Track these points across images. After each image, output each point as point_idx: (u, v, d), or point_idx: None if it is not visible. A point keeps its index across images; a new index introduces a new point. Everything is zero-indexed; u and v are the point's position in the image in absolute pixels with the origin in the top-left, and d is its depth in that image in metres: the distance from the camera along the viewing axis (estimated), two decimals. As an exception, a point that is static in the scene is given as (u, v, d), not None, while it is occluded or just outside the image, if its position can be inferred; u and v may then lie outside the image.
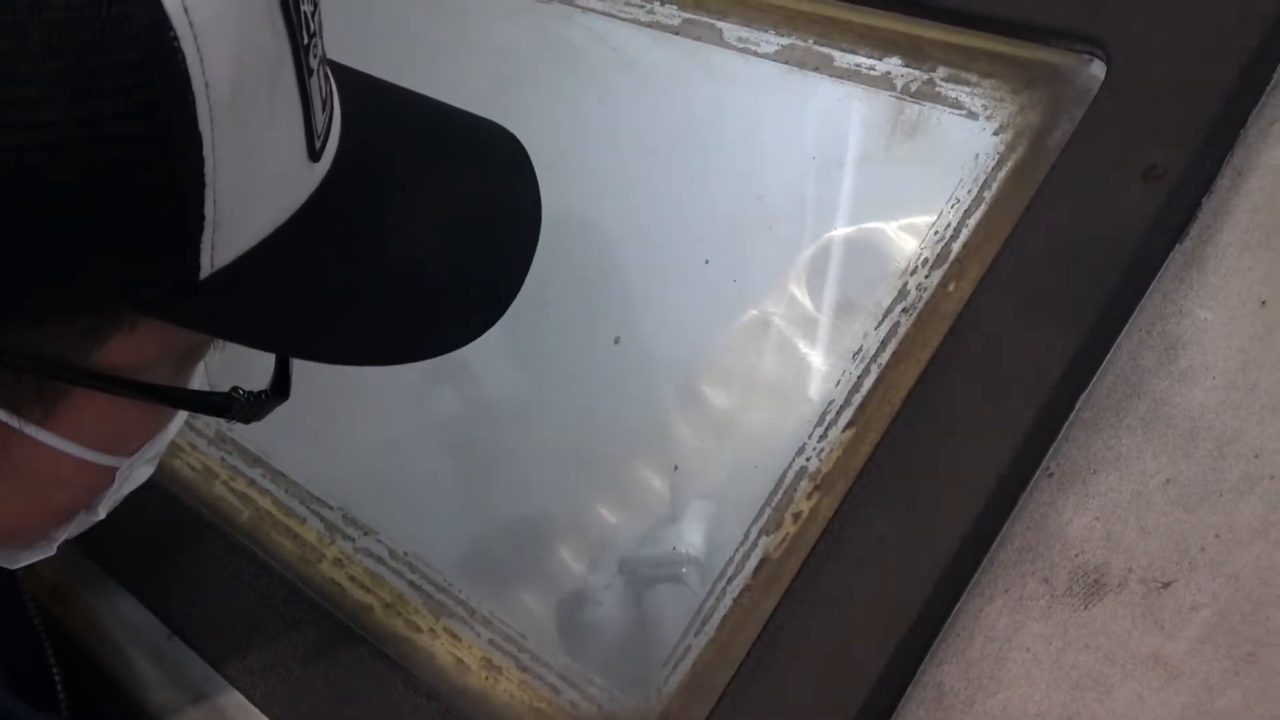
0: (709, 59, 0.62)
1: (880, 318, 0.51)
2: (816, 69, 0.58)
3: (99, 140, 0.27)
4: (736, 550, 0.50)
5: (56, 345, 0.31)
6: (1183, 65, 0.46)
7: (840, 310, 0.53)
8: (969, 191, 0.51)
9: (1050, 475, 0.43)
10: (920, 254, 0.51)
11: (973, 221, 0.51)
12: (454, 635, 0.56)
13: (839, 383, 0.51)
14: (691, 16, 0.63)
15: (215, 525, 0.63)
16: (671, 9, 0.64)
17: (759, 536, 0.50)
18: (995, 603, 0.42)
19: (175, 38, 0.27)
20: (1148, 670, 0.39)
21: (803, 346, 0.54)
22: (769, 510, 0.50)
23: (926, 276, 0.51)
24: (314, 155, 0.34)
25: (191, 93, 0.28)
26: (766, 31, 0.60)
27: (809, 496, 0.49)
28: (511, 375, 0.63)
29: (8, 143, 0.26)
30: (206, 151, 0.28)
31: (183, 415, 0.41)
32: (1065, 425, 0.44)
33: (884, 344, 0.50)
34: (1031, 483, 0.44)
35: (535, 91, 0.68)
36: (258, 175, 0.31)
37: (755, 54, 0.60)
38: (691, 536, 0.53)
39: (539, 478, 0.60)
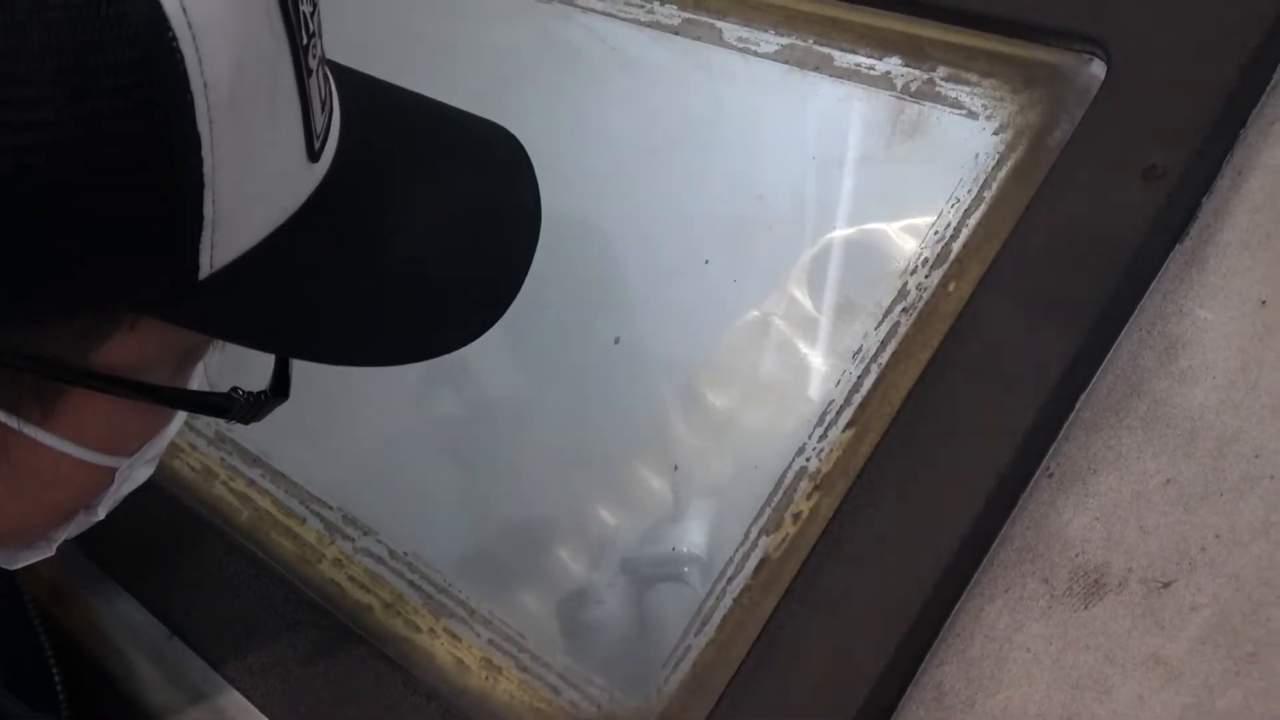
0: (709, 59, 0.62)
1: (880, 318, 0.51)
2: (816, 69, 0.58)
3: (97, 140, 0.27)
4: (736, 550, 0.50)
5: (55, 345, 0.31)
6: (1183, 65, 0.46)
7: (840, 310, 0.53)
8: (969, 191, 0.51)
9: (1050, 475, 0.43)
10: (920, 254, 0.51)
11: (973, 221, 0.51)
12: (454, 635, 0.56)
13: (839, 383, 0.51)
14: (691, 16, 0.63)
15: (215, 525, 0.63)
16: (671, 9, 0.64)
17: (759, 536, 0.50)
18: (995, 603, 0.42)
19: (174, 37, 0.27)
20: (1148, 670, 0.39)
21: (803, 346, 0.54)
22: (769, 510, 0.50)
23: (926, 276, 0.51)
24: (313, 155, 0.34)
25: (190, 92, 0.27)
26: (766, 31, 0.60)
27: (809, 496, 0.49)
28: (511, 375, 0.63)
29: (6, 142, 0.26)
30: (205, 151, 0.28)
31: (182, 416, 0.41)
32: (1065, 425, 0.44)
33: (884, 344, 0.50)
34: (1031, 483, 0.44)
35: (535, 91, 0.68)
36: (257, 175, 0.31)
37: (755, 54, 0.60)
38: (692, 536, 0.53)
39: (539, 478, 0.60)
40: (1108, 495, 0.42)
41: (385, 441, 0.66)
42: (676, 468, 0.55)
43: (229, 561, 0.61)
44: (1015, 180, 0.50)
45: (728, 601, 0.49)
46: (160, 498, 0.64)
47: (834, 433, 0.50)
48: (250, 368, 0.39)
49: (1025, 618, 0.41)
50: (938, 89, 0.54)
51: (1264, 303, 0.43)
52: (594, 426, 0.59)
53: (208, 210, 0.29)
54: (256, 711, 0.55)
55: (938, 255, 0.51)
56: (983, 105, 0.53)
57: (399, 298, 0.38)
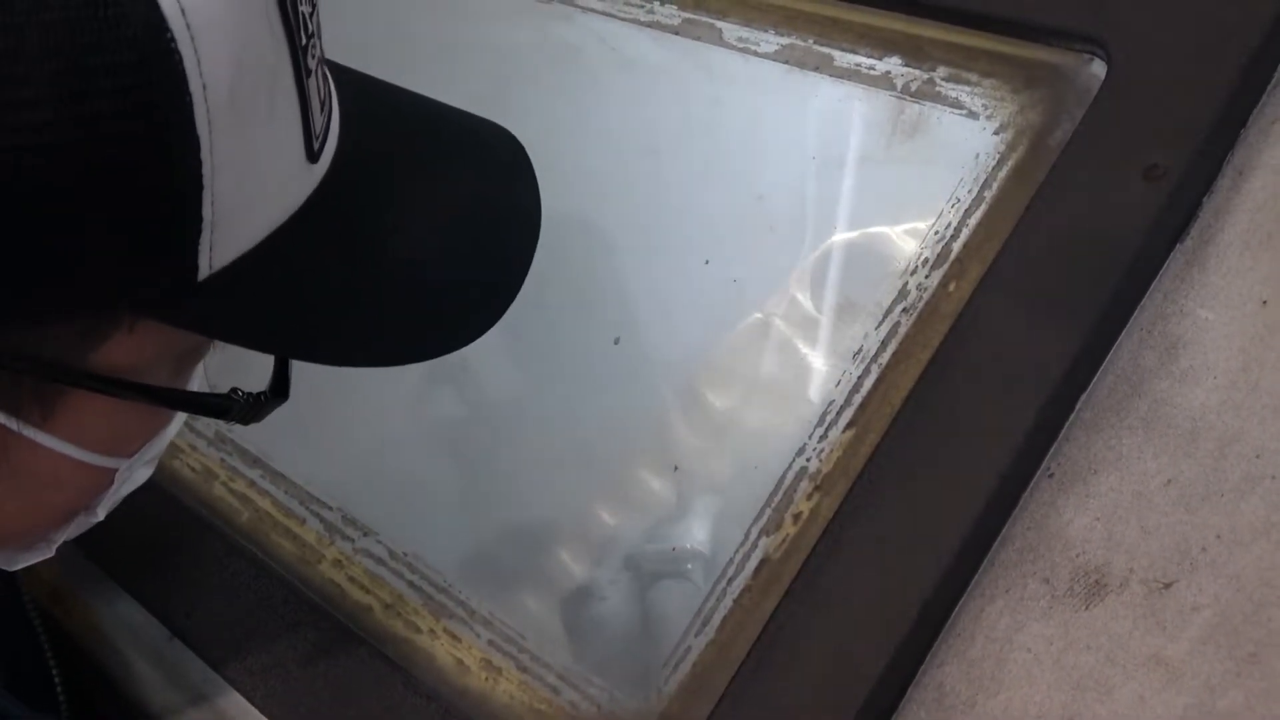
0: (709, 59, 0.62)
1: (880, 318, 0.51)
2: (817, 69, 0.58)
3: (96, 141, 0.27)
4: (737, 551, 0.50)
5: (55, 347, 0.31)
6: (1183, 65, 0.46)
7: (840, 310, 0.53)
8: (969, 191, 0.51)
9: (1051, 475, 0.43)
10: (920, 254, 0.51)
11: (973, 221, 0.50)
12: (454, 636, 0.56)
13: (839, 383, 0.51)
14: (691, 16, 0.63)
15: (215, 526, 0.63)
16: (671, 9, 0.64)
17: (759, 537, 0.50)
18: (996, 603, 0.42)
19: (172, 39, 0.27)
20: (1149, 671, 0.39)
21: (803, 347, 0.54)
22: (769, 511, 0.50)
23: (927, 276, 0.51)
24: (312, 156, 0.34)
25: (189, 94, 0.27)
26: (766, 31, 0.60)
27: (809, 497, 0.49)
28: (511, 376, 0.63)
29: (5, 143, 0.26)
30: (204, 153, 0.28)
31: (182, 417, 0.41)
32: (1066, 425, 0.44)
33: (884, 344, 0.50)
34: (1032, 483, 0.44)
35: (535, 92, 0.68)
36: (256, 176, 0.31)
37: (755, 54, 0.60)
38: (692, 537, 0.53)
39: (538, 478, 0.60)
40: (1109, 495, 0.42)
41: (385, 442, 0.66)
42: (677, 468, 0.55)
43: (229, 562, 0.61)
44: (1016, 180, 0.50)
45: (728, 602, 0.49)
46: (160, 499, 0.63)
47: (834, 433, 0.50)
48: (250, 368, 0.39)
49: (1026, 618, 0.41)
50: (938, 89, 0.54)
51: (1265, 303, 0.42)
52: (594, 427, 0.59)
53: (207, 211, 0.29)
54: (256, 712, 0.55)
55: (938, 255, 0.51)
56: (983, 105, 0.53)
57: (399, 298, 0.38)
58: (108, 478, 0.38)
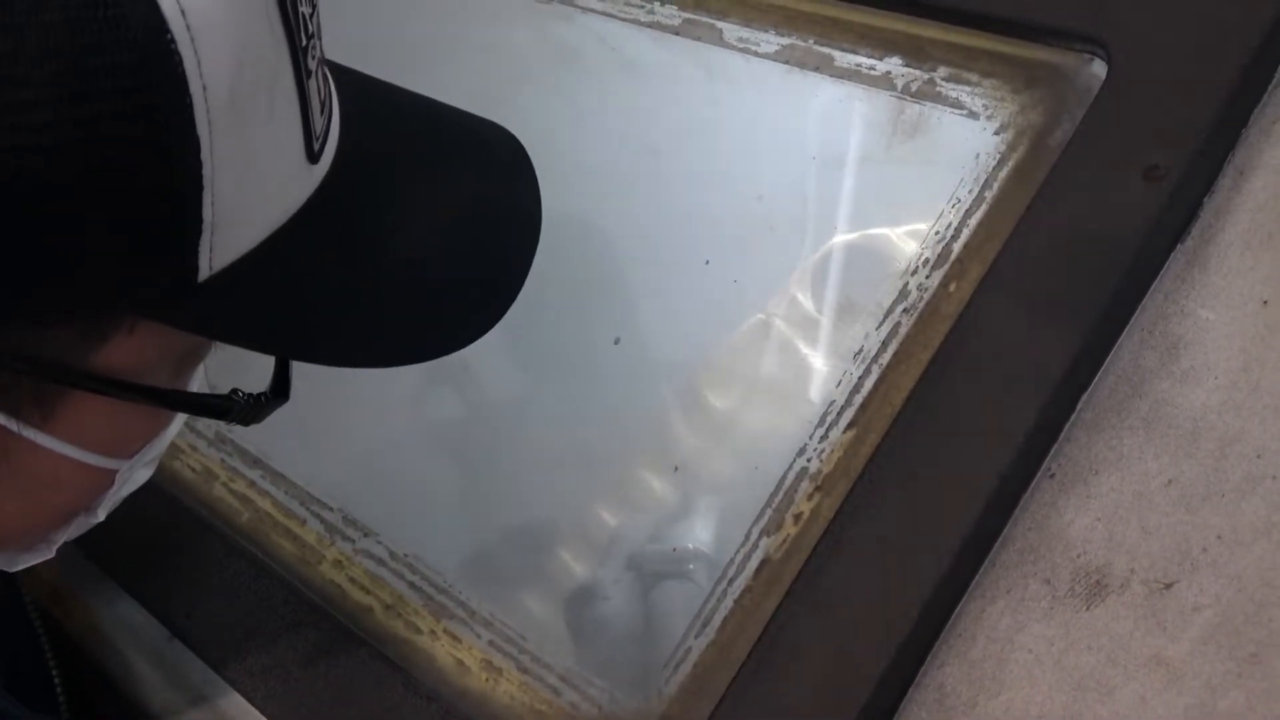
0: (709, 59, 0.62)
1: (881, 318, 0.51)
2: (817, 69, 0.58)
3: (96, 142, 0.27)
4: (737, 551, 0.50)
5: (55, 347, 0.31)
6: (1184, 65, 0.46)
7: (841, 311, 0.53)
8: (970, 191, 0.51)
9: (1052, 476, 0.43)
10: (921, 254, 0.51)
11: (974, 221, 0.50)
12: (454, 637, 0.56)
13: (840, 383, 0.51)
14: (691, 16, 0.63)
15: (215, 527, 0.63)
16: (671, 9, 0.64)
17: (760, 538, 0.50)
18: (997, 604, 0.42)
19: (172, 40, 0.27)
20: (1150, 671, 0.39)
21: (803, 347, 0.54)
22: (770, 511, 0.50)
23: (927, 277, 0.51)
24: (313, 157, 0.34)
25: (189, 95, 0.27)
26: (767, 31, 0.60)
27: (810, 497, 0.49)
28: (511, 376, 0.63)
29: (5, 144, 0.26)
30: (204, 154, 0.28)
31: (182, 417, 0.41)
32: (1067, 425, 0.44)
33: (885, 344, 0.50)
34: (1033, 483, 0.43)
35: (535, 92, 0.68)
36: (256, 177, 0.31)
37: (755, 54, 0.60)
38: (692, 538, 0.53)
39: (539, 479, 0.60)
40: (1109, 496, 0.42)
41: (385, 443, 0.66)
42: (677, 469, 0.55)
43: (229, 563, 0.61)
44: (1016, 180, 0.50)
45: (729, 603, 0.49)
46: (160, 499, 0.63)
47: (835, 433, 0.50)
48: (250, 369, 0.39)
49: (1027, 619, 0.41)
50: (938, 89, 0.54)
51: (1266, 303, 0.42)
52: (594, 428, 0.59)
53: (207, 212, 0.29)
54: (257, 713, 0.55)
55: (939, 256, 0.51)
56: (984, 105, 0.53)
57: (399, 299, 0.38)
58: (108, 478, 0.38)
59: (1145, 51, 0.47)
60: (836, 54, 0.58)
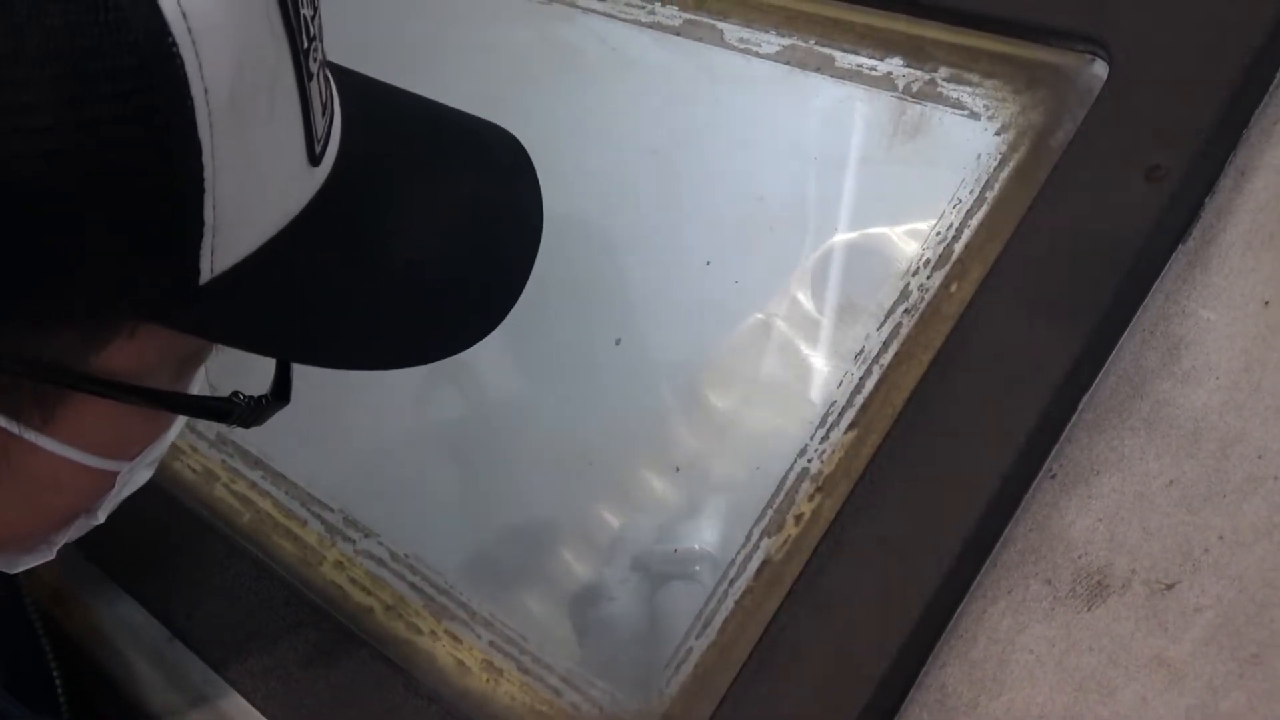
0: (710, 60, 0.62)
1: (882, 319, 0.51)
2: (818, 69, 0.58)
3: (97, 145, 0.27)
4: (738, 552, 0.50)
5: (56, 350, 0.31)
6: (1185, 65, 0.46)
7: (842, 311, 0.53)
8: (971, 192, 0.51)
9: (1053, 476, 0.43)
10: (922, 255, 0.51)
11: (975, 222, 0.50)
12: (455, 637, 0.56)
13: (841, 384, 0.51)
14: (692, 17, 0.63)
15: (216, 528, 0.63)
16: (672, 10, 0.64)
17: (761, 538, 0.50)
18: (998, 604, 0.42)
19: (174, 43, 0.27)
20: (1151, 672, 0.39)
21: (804, 348, 0.54)
22: (771, 512, 0.50)
23: (928, 277, 0.51)
24: (314, 159, 0.34)
25: (190, 98, 0.27)
26: (768, 32, 0.60)
27: (811, 498, 0.49)
28: (512, 377, 0.63)
29: (5, 147, 0.26)
30: (206, 157, 0.28)
31: (183, 419, 0.41)
32: (1068, 426, 0.44)
33: (886, 345, 0.50)
34: (1034, 484, 0.43)
35: (536, 93, 0.68)
36: (258, 180, 0.31)
37: (756, 55, 0.60)
38: (693, 538, 0.53)
39: (539, 479, 0.60)
40: (1111, 496, 0.42)
41: (386, 443, 0.66)
42: (678, 469, 0.55)
43: (230, 564, 0.61)
44: (1017, 181, 0.50)
45: (730, 603, 0.49)
46: (161, 500, 0.63)
47: (836, 434, 0.50)
48: (251, 371, 0.39)
49: (1028, 619, 0.41)
50: (939, 90, 0.54)
51: (1267, 303, 0.42)
52: (595, 428, 0.59)
53: (208, 215, 0.29)
54: (257, 714, 0.55)
55: (940, 256, 0.51)
56: (985, 106, 0.53)
57: (400, 301, 0.38)
58: (109, 480, 0.38)
59: (1146, 52, 0.47)
60: (837, 55, 0.58)
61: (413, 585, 0.58)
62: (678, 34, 0.63)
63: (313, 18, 0.33)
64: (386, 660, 0.54)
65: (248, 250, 0.32)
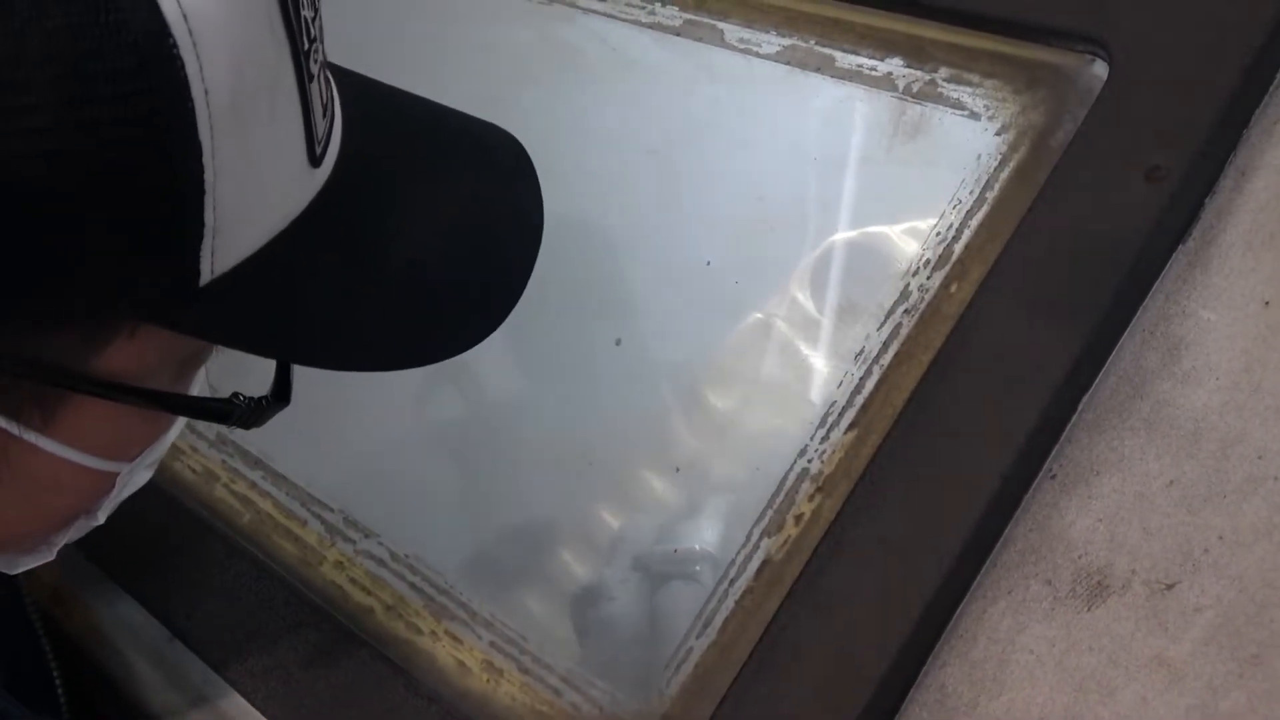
0: (710, 60, 0.62)
1: (882, 319, 0.51)
2: (818, 70, 0.58)
3: (97, 146, 0.27)
4: (739, 552, 0.50)
5: (56, 351, 0.31)
6: (1185, 65, 0.46)
7: (842, 312, 0.53)
8: (971, 192, 0.51)
9: (1053, 477, 0.43)
10: (922, 255, 0.51)
11: (975, 222, 0.50)
12: (455, 638, 0.56)
13: (841, 384, 0.51)
14: (693, 18, 0.63)
15: (216, 528, 0.63)
16: (673, 10, 0.64)
17: (761, 538, 0.50)
18: (998, 604, 0.42)
19: (174, 44, 0.27)
20: (1151, 672, 0.39)
21: (804, 348, 0.54)
22: (771, 512, 0.50)
23: (929, 278, 0.51)
24: (315, 161, 0.34)
25: (190, 99, 0.27)
26: (768, 32, 0.60)
27: (811, 498, 0.49)
28: (512, 377, 0.63)
29: (5, 148, 0.26)
30: (206, 159, 0.28)
31: (183, 420, 0.41)
32: (1068, 426, 0.44)
33: (886, 345, 0.50)
34: (1034, 484, 0.43)
35: (536, 93, 0.68)
36: (258, 182, 0.31)
37: (757, 55, 0.60)
38: (693, 538, 0.53)
39: (540, 480, 0.60)
40: (1111, 497, 0.42)
41: (386, 444, 0.66)
42: (678, 469, 0.55)
43: (230, 564, 0.61)
44: (1017, 181, 0.50)
45: (730, 603, 0.49)
46: (161, 500, 0.63)
47: (836, 434, 0.50)
48: (251, 372, 0.39)
49: (1028, 619, 0.41)
50: (939, 90, 0.54)
51: (1267, 303, 0.42)
52: (595, 428, 0.59)
53: (208, 217, 0.29)
54: (257, 714, 0.55)
55: (940, 256, 0.51)
56: (985, 106, 0.53)
57: (400, 303, 0.38)
58: (109, 481, 0.38)
59: (1146, 52, 0.47)
60: (838, 55, 0.58)
61: (413, 585, 0.58)
62: (678, 34, 0.63)
63: (313, 19, 0.33)
64: (387, 660, 0.54)
65: (248, 251, 0.32)
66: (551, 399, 0.61)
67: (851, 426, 0.49)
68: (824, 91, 0.58)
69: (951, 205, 0.51)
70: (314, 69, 0.32)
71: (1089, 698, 0.39)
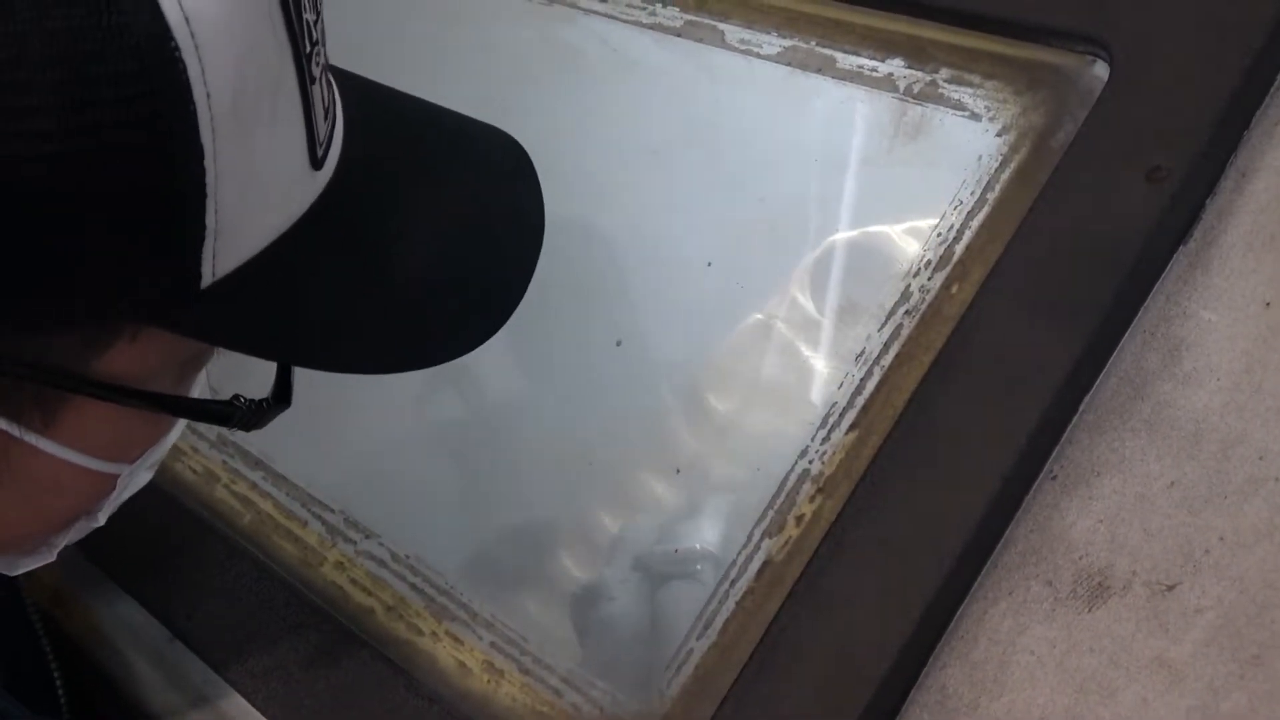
0: (711, 61, 0.62)
1: (883, 320, 0.51)
2: (819, 71, 0.58)
3: (99, 150, 0.27)
4: (739, 553, 0.50)
5: (58, 353, 0.31)
6: (1186, 66, 0.46)
7: (843, 312, 0.53)
8: (972, 193, 0.51)
9: (1054, 478, 0.43)
10: (923, 256, 0.51)
11: (976, 223, 0.50)
12: (456, 638, 0.56)
13: (841, 385, 0.51)
14: (693, 18, 0.63)
15: (217, 528, 0.63)
16: (673, 11, 0.64)
17: (761, 539, 0.50)
18: (999, 605, 0.42)
19: (176, 47, 0.27)
20: (1152, 673, 0.39)
21: (805, 349, 0.54)
22: (771, 513, 0.50)
23: (929, 278, 0.51)
24: (316, 163, 0.34)
25: (192, 102, 0.27)
26: (769, 33, 0.60)
27: (812, 499, 0.49)
28: (513, 378, 0.63)
29: (6, 150, 0.26)
30: (208, 161, 0.28)
31: (184, 422, 0.41)
32: (1069, 427, 0.44)
33: (887, 346, 0.50)
34: (1035, 485, 0.43)
35: (537, 94, 0.68)
36: (260, 184, 0.31)
37: (757, 56, 0.60)
38: (694, 539, 0.53)
39: (540, 481, 0.60)
40: (1111, 498, 0.42)
41: (387, 444, 0.66)
42: (678, 470, 0.55)
43: (230, 564, 0.61)
44: (1018, 182, 0.50)
45: (730, 604, 0.49)
46: (162, 501, 0.63)
47: (837, 435, 0.50)
48: (252, 374, 0.39)
49: (1029, 620, 0.41)
50: (940, 91, 0.54)
51: (1268, 304, 0.42)
52: (596, 429, 0.59)
53: (210, 220, 0.29)
54: (258, 714, 0.55)
55: (940, 257, 0.51)
56: (985, 107, 0.53)
57: (401, 305, 0.38)
58: (109, 483, 0.38)
59: (1147, 53, 0.47)
60: (839, 56, 0.58)
61: (413, 586, 0.58)
62: (679, 35, 0.63)
63: (315, 22, 0.33)
64: (387, 661, 0.54)
65: (249, 254, 0.32)
66: (552, 400, 0.61)
67: (852, 427, 0.49)
68: (825, 92, 0.58)
69: (952, 206, 0.51)
70: (316, 72, 0.32)
71: (1090, 699, 0.39)
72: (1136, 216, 0.45)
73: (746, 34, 0.61)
